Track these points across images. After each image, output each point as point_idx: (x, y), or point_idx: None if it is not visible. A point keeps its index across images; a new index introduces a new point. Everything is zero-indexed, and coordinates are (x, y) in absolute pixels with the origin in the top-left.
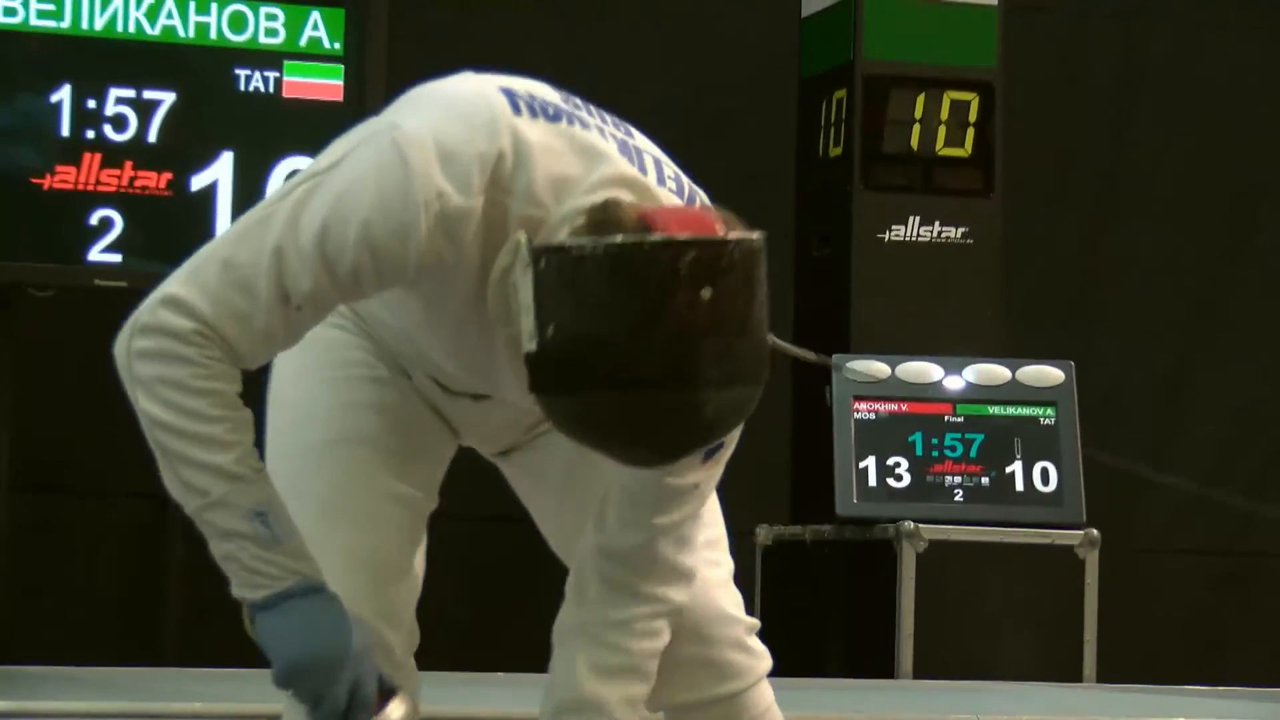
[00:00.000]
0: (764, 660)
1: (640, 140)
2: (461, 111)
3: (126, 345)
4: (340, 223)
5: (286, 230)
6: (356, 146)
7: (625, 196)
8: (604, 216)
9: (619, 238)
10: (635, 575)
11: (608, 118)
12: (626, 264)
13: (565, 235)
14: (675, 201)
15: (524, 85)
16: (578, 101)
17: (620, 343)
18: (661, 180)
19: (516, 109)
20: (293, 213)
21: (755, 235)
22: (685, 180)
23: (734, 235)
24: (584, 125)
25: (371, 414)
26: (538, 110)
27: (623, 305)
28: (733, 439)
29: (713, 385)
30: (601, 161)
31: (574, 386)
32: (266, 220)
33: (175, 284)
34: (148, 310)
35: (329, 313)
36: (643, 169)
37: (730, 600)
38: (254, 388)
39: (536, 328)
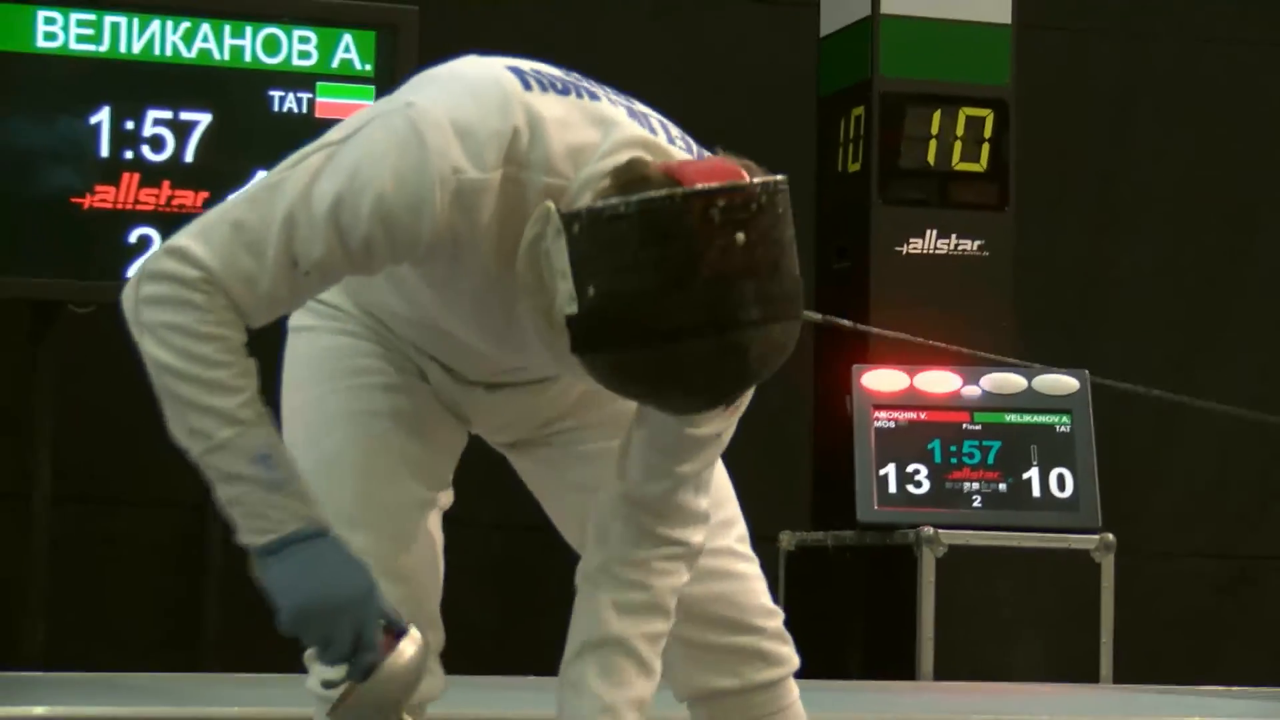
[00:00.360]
0: (794, 652)
1: (643, 107)
2: (474, 90)
3: (134, 292)
4: (355, 195)
5: (299, 198)
6: (370, 121)
7: (643, 156)
8: (630, 175)
9: (649, 193)
10: (657, 520)
11: (608, 89)
12: (659, 218)
13: (590, 198)
14: (689, 158)
15: (529, 63)
16: (578, 76)
17: (660, 296)
18: (671, 140)
19: (526, 85)
20: (306, 181)
21: (779, 176)
22: (691, 141)
23: (759, 179)
24: (592, 96)
25: (385, 421)
26: (546, 85)
27: (659, 259)
28: (749, 392)
29: (753, 326)
30: (614, 127)
31: (618, 343)
32: (278, 186)
33: (185, 237)
34: (155, 258)
35: (336, 282)
36: (652, 131)
37: (766, 594)
38: (266, 356)
39: (576, 290)
